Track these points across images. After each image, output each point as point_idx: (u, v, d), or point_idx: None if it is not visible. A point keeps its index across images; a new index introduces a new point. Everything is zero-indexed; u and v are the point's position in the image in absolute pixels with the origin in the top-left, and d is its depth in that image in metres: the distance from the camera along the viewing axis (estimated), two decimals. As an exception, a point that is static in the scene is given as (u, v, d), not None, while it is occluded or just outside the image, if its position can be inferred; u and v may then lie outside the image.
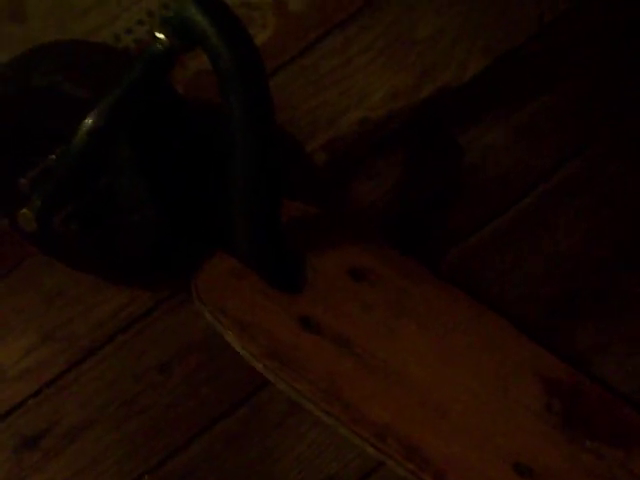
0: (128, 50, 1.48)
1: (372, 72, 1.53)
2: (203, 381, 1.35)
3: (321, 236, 1.30)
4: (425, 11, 1.57)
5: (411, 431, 1.13)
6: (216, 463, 1.30)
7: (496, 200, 1.46)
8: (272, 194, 1.20)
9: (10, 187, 1.34)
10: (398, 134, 1.50)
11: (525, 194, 1.46)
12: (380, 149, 1.49)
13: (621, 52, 1.52)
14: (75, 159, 1.20)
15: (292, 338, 1.17)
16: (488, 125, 1.49)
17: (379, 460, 1.19)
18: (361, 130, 1.50)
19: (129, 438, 1.33)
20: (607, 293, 1.38)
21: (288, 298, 1.21)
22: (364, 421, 1.13)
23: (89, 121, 1.16)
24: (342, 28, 1.56)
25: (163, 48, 1.14)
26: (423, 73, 1.53)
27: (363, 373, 1.17)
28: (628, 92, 1.50)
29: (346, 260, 1.27)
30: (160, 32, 1.14)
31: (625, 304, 1.37)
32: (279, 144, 1.25)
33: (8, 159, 1.31)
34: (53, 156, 1.26)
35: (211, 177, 1.26)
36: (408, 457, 1.12)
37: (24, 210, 1.24)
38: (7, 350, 1.41)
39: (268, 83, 1.15)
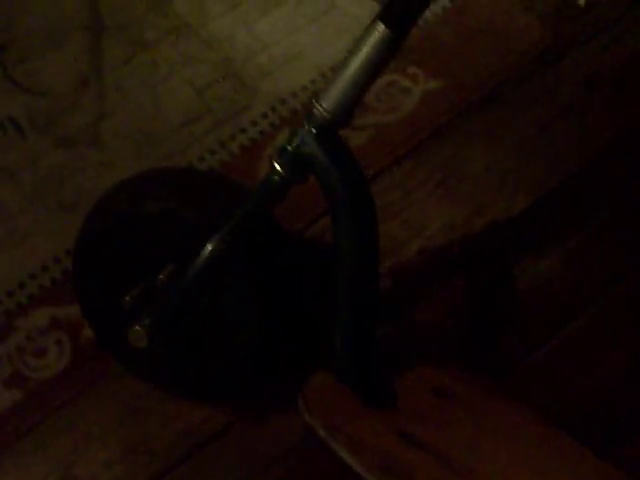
0: (227, 177, 1.57)
1: (429, 205, 1.66)
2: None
3: (399, 358, 1.40)
4: (473, 152, 1.71)
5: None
6: None
7: (549, 323, 1.57)
8: (372, 316, 1.31)
9: (104, 304, 1.42)
10: (456, 262, 1.61)
11: (575, 316, 1.57)
12: (440, 276, 1.60)
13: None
14: (192, 281, 1.28)
15: (398, 453, 1.26)
16: (538, 254, 1.62)
17: None
18: (421, 258, 1.61)
19: None
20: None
21: (385, 414, 1.31)
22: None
23: (210, 246, 1.25)
24: (400, 164, 1.69)
25: (280, 179, 1.23)
26: (476, 206, 1.65)
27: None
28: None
29: (427, 378, 1.37)
30: (278, 163, 1.23)
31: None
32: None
33: (111, 279, 1.38)
34: (160, 276, 1.33)
35: (310, 301, 1.36)
36: None
37: (136, 327, 1.31)
38: (87, 463, 1.46)
39: (377, 222, 1.26)
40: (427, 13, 1.79)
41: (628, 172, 1.71)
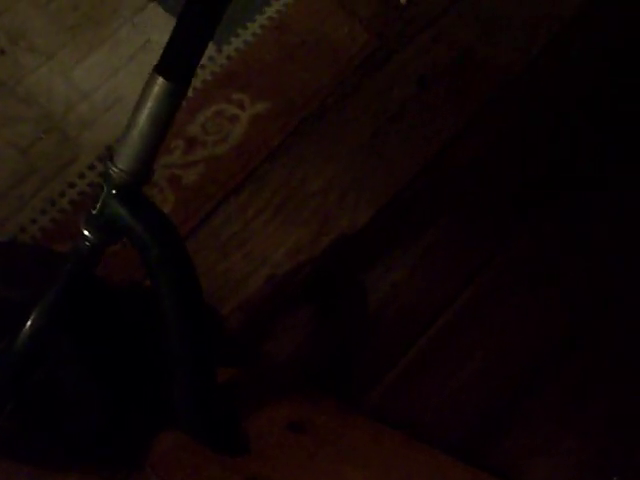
0: (48, 247, 1.56)
1: (271, 231, 1.66)
2: None
3: (254, 395, 1.40)
4: (310, 171, 1.71)
5: None
6: None
7: (405, 333, 1.58)
8: (206, 363, 1.30)
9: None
10: (306, 285, 1.61)
11: (430, 325, 1.59)
12: (291, 302, 1.60)
13: (496, 181, 1.70)
14: (18, 358, 1.27)
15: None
16: (387, 266, 1.63)
17: None
18: (270, 287, 1.61)
19: None
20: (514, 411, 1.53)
21: (235, 460, 1.30)
22: None
23: (30, 322, 1.24)
24: (237, 194, 1.68)
25: (90, 244, 1.23)
26: (319, 226, 1.66)
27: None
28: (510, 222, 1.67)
29: (283, 415, 1.37)
30: (86, 229, 1.22)
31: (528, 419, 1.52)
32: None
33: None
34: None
35: (149, 356, 1.35)
36: None
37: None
38: None
39: (194, 265, 1.26)
40: (246, 34, 1.79)
41: (466, 170, 1.72)
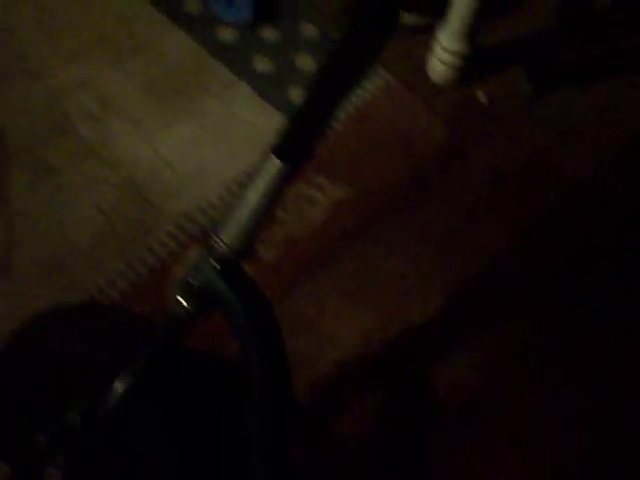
0: (128, 309, 1.58)
1: (344, 315, 1.69)
2: None
3: (319, 473, 1.42)
4: (384, 257, 1.74)
5: None
6: None
7: (467, 424, 1.60)
8: (283, 438, 1.32)
9: (19, 441, 1.42)
10: (372, 371, 1.64)
11: (490, 419, 1.60)
12: (358, 385, 1.62)
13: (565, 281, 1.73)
14: (100, 420, 1.29)
15: None
16: (453, 356, 1.65)
17: None
18: (337, 370, 1.64)
19: None
20: None
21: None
22: None
23: (120, 383, 1.26)
24: (311, 275, 1.71)
25: (184, 313, 1.25)
26: (390, 313, 1.68)
27: None
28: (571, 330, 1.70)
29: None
30: (181, 297, 1.24)
31: None
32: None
33: (23, 417, 1.38)
34: (73, 413, 1.33)
35: (225, 432, 1.37)
36: None
37: (50, 469, 1.31)
38: None
39: (285, 345, 1.27)
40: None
41: (537, 265, 1.75)
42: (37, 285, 1.70)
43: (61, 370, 1.36)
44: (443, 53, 1.92)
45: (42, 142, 1.86)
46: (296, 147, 1.16)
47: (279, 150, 1.16)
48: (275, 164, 1.16)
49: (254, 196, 1.18)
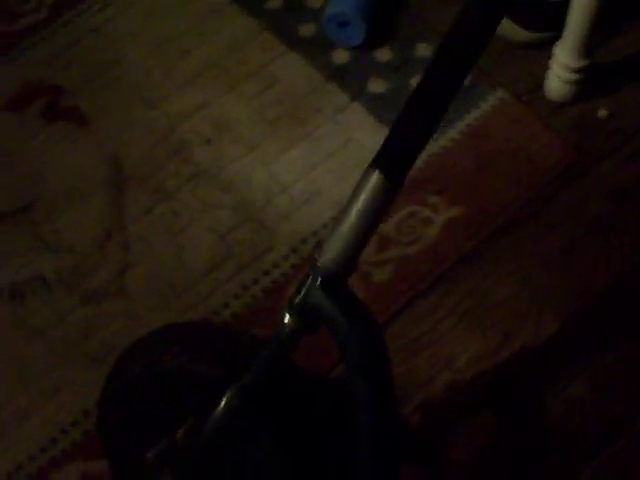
0: (242, 330, 1.60)
1: (456, 336, 1.67)
2: None
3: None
4: (499, 278, 1.71)
5: None
6: None
7: (583, 450, 1.56)
8: (393, 458, 1.31)
9: (129, 460, 1.44)
10: (485, 393, 1.61)
11: (609, 442, 1.56)
12: (469, 409, 1.60)
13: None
14: (208, 437, 1.30)
15: None
16: (568, 379, 1.61)
17: None
18: (450, 392, 1.61)
19: None
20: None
21: None
22: None
23: (226, 400, 1.27)
24: (425, 295, 1.70)
25: (290, 330, 1.25)
26: (503, 334, 1.66)
27: None
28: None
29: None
30: (288, 314, 1.24)
31: None
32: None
33: (132, 435, 1.40)
34: (180, 431, 1.35)
35: (331, 450, 1.36)
36: None
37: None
38: None
39: (391, 369, 1.26)
40: (444, 139, 1.83)
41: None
42: (151, 308, 1.74)
43: (172, 387, 1.38)
44: (560, 69, 1.89)
45: (158, 167, 1.90)
46: (397, 158, 1.15)
47: (379, 164, 1.15)
48: (375, 178, 1.15)
49: (356, 211, 1.18)
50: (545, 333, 1.69)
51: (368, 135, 1.90)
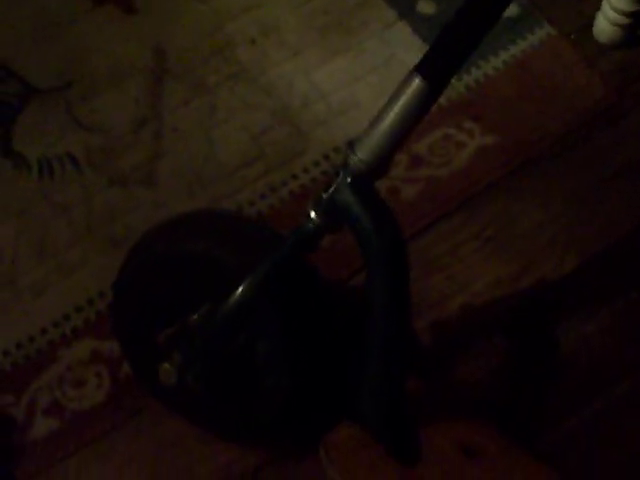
0: (267, 225, 1.61)
1: (477, 261, 1.68)
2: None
3: (433, 412, 1.41)
4: (526, 209, 1.72)
5: None
6: None
7: (588, 389, 1.57)
8: (402, 365, 1.33)
9: (142, 340, 1.46)
10: (499, 320, 1.62)
11: (616, 383, 1.57)
12: (482, 333, 1.61)
13: None
14: (221, 323, 1.32)
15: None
16: (583, 317, 1.62)
17: None
18: (464, 314, 1.63)
19: None
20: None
21: (408, 470, 1.32)
22: None
23: (241, 289, 1.29)
24: (450, 218, 1.71)
25: (313, 227, 1.26)
26: (524, 264, 1.66)
27: None
28: None
29: (458, 436, 1.38)
30: (313, 211, 1.25)
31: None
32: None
33: (149, 316, 1.42)
34: (194, 316, 1.37)
35: (341, 348, 1.38)
36: None
37: (166, 365, 1.36)
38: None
39: (409, 273, 1.28)
40: (487, 67, 1.82)
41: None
42: (178, 197, 1.75)
43: (190, 271, 1.40)
44: (612, 11, 1.88)
45: (201, 62, 1.91)
46: (439, 66, 1.16)
47: (422, 67, 1.16)
48: (417, 81, 1.15)
49: (393, 114, 1.19)
50: (566, 268, 1.70)
51: (412, 55, 1.87)
